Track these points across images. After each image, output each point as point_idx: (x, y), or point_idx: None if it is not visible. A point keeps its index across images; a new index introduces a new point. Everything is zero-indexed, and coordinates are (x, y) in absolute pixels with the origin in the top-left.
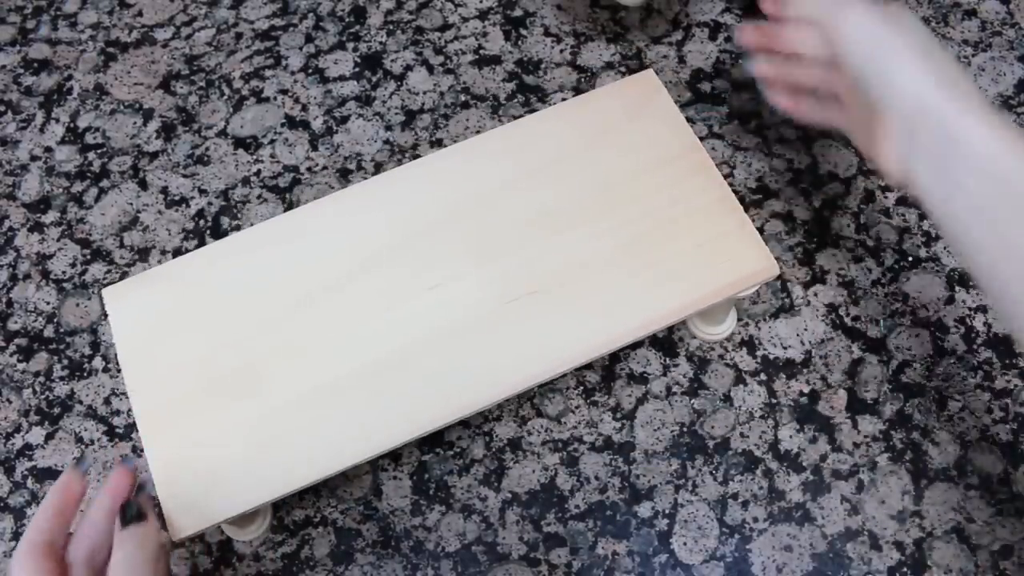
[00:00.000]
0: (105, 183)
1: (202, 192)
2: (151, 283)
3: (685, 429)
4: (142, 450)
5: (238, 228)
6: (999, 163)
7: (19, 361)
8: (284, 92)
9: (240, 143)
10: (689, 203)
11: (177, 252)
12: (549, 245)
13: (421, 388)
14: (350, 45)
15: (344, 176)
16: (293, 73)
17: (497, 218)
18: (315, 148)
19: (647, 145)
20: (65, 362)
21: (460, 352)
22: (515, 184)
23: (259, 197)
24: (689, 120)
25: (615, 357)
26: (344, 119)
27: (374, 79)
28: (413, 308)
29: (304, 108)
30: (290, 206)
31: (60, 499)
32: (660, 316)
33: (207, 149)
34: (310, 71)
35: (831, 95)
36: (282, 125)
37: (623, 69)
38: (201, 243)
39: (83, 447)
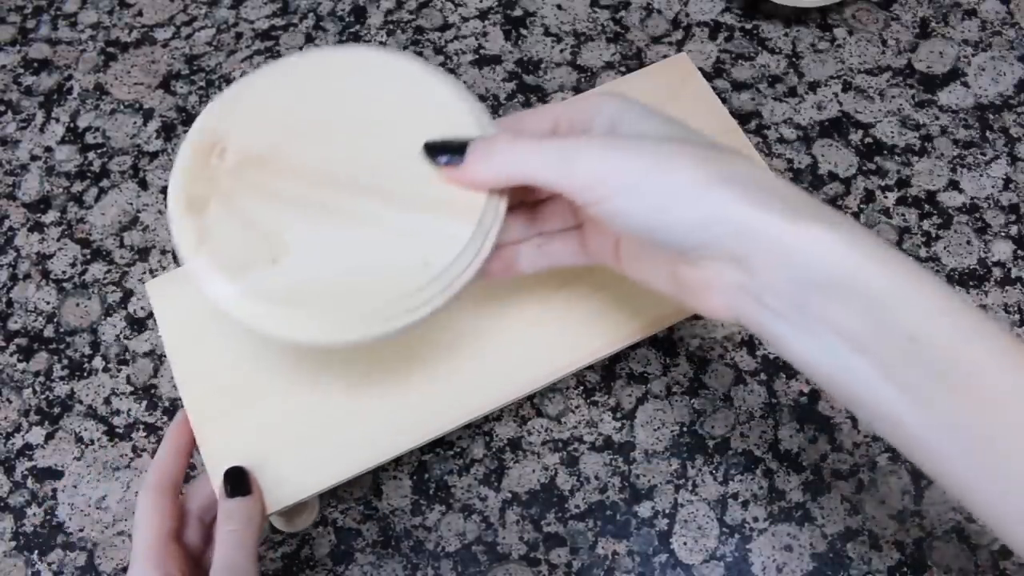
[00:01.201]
0: (105, 183)
1: None
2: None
3: (685, 429)
4: (143, 450)
5: None
6: (860, 278)
7: (19, 361)
8: None
9: None
10: None
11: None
12: None
13: (477, 370)
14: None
15: None
16: None
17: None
18: None
19: None
20: (65, 362)
21: (513, 334)
22: None
23: None
24: None
25: (615, 357)
26: None
27: None
28: (467, 290)
29: None
30: None
31: (178, 437)
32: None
33: None
34: None
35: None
36: None
37: (623, 69)
38: None
39: (83, 447)
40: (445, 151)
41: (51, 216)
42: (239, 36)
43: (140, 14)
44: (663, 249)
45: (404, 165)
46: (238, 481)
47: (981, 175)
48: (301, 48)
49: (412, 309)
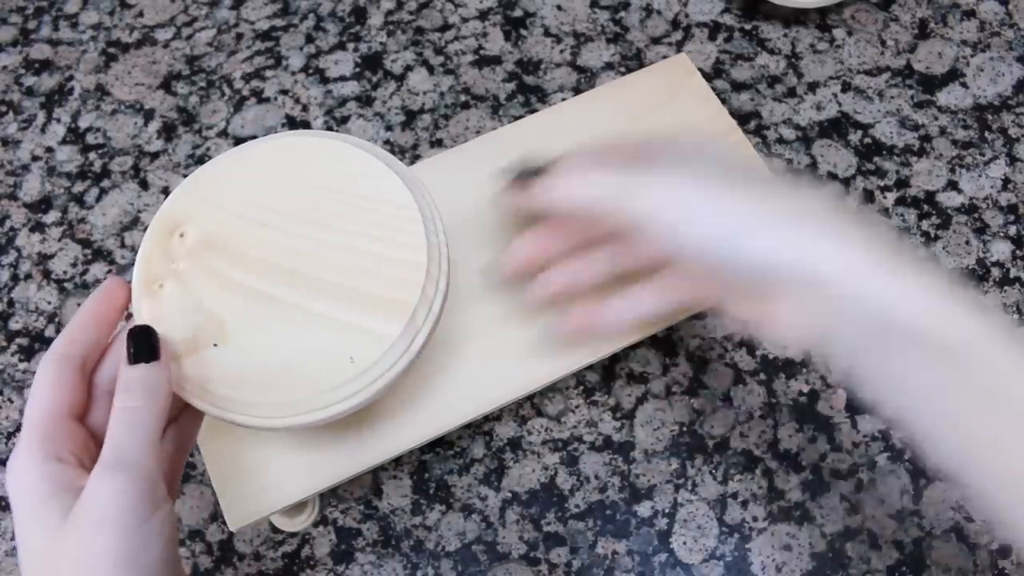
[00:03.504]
0: (106, 183)
1: None
2: None
3: (685, 429)
4: None
5: None
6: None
7: (20, 361)
8: (285, 92)
9: (241, 143)
10: None
11: None
12: None
13: (474, 372)
14: (350, 45)
15: None
16: (294, 73)
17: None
18: None
19: (686, 127)
20: None
21: (511, 335)
22: None
23: None
24: None
25: (615, 357)
26: (344, 119)
27: (374, 79)
28: (463, 292)
29: (304, 108)
30: None
31: (99, 307)
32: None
33: (208, 149)
34: (310, 71)
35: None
36: (283, 125)
37: (623, 69)
38: None
39: None
40: (525, 175)
41: (52, 216)
42: (239, 37)
43: (141, 15)
44: (731, 279)
45: (345, 257)
46: (144, 344)
47: (980, 175)
48: (302, 48)
49: (335, 403)
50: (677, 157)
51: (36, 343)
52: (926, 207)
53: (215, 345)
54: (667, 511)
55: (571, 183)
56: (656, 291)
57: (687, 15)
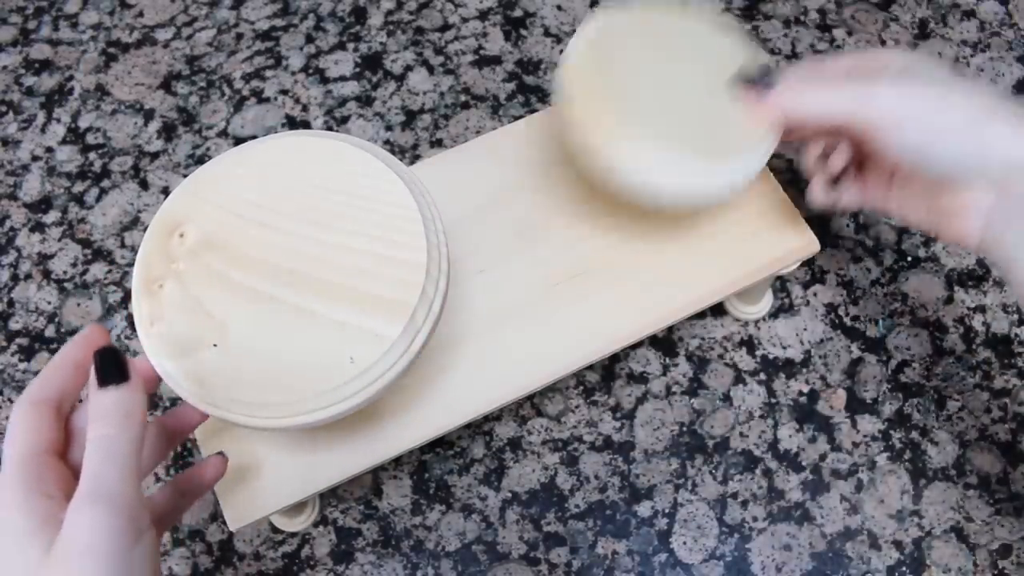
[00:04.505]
0: (106, 183)
1: None
2: None
3: (685, 429)
4: None
5: None
6: None
7: (20, 361)
8: (285, 92)
9: (241, 143)
10: None
11: None
12: (596, 225)
13: (474, 372)
14: (350, 45)
15: None
16: (294, 73)
17: (543, 200)
18: None
19: None
20: None
21: (511, 335)
22: (562, 164)
23: None
24: None
25: (615, 357)
26: (344, 119)
27: (374, 79)
28: (463, 292)
29: (305, 108)
30: None
31: (77, 352)
32: (705, 294)
33: (208, 149)
34: (310, 71)
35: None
36: (283, 125)
37: None
38: None
39: None
40: (759, 80)
41: (52, 216)
42: (240, 37)
43: (141, 15)
44: (935, 176)
45: (345, 258)
46: (109, 363)
47: None
48: (302, 48)
49: (335, 403)
50: (896, 68)
51: (36, 343)
52: None
53: (215, 345)
54: (667, 511)
55: (806, 95)
56: (848, 185)
57: None
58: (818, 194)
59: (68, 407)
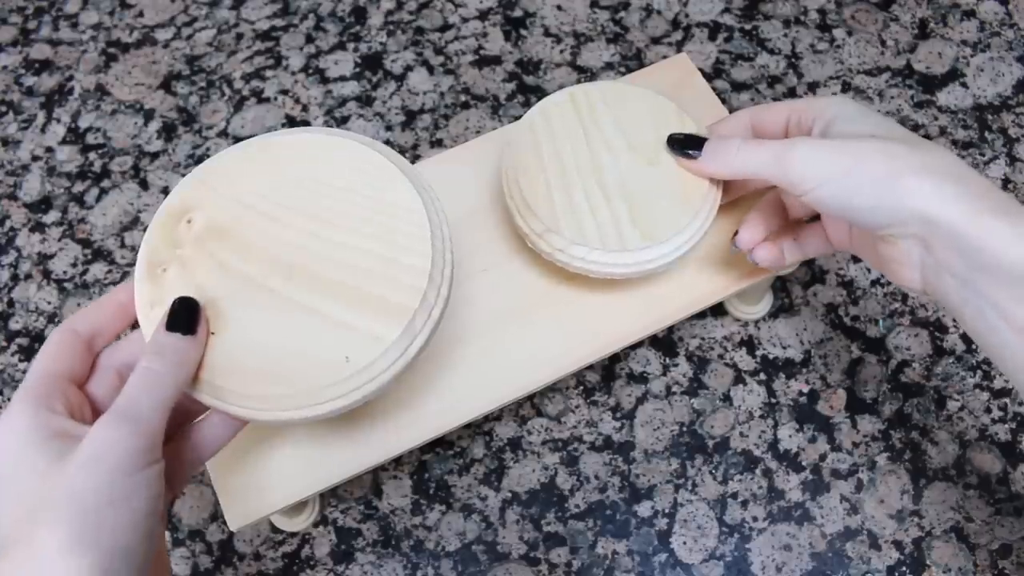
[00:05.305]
0: (106, 183)
1: None
2: None
3: (685, 429)
4: None
5: None
6: None
7: (20, 360)
8: (285, 92)
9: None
10: None
11: None
12: None
13: (474, 372)
14: (350, 45)
15: None
16: (294, 73)
17: None
18: None
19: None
20: None
21: (511, 335)
22: None
23: None
24: None
25: (615, 357)
26: (344, 119)
27: (374, 79)
28: (464, 291)
29: (305, 108)
30: None
31: (123, 296)
32: (705, 294)
33: (208, 149)
34: (310, 71)
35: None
36: (282, 125)
37: (623, 69)
38: None
39: None
40: (687, 146)
41: (52, 216)
42: (240, 37)
43: (141, 15)
44: (863, 228)
45: (348, 256)
46: (184, 315)
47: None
48: (302, 48)
49: (328, 400)
50: (826, 119)
51: (36, 343)
52: None
53: (212, 333)
54: (667, 511)
55: (730, 157)
56: (814, 238)
57: (687, 15)
58: (763, 257)
59: (101, 344)
